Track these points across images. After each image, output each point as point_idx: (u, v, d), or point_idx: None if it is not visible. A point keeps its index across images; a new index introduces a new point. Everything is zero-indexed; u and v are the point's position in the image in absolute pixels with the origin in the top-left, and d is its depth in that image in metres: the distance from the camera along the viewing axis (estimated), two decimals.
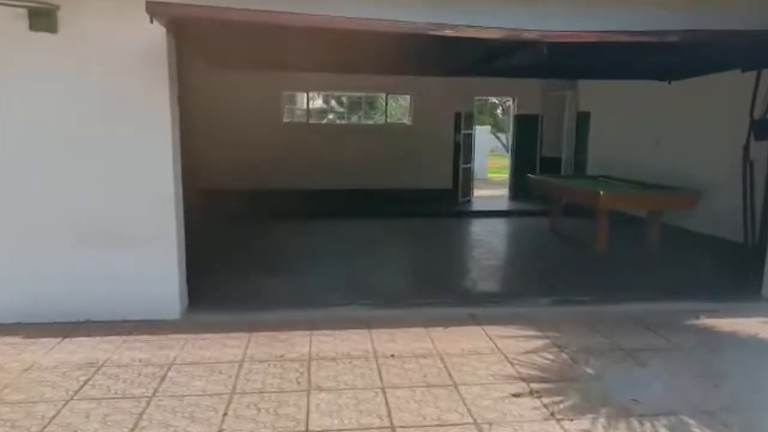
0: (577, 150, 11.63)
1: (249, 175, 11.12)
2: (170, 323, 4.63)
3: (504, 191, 14.78)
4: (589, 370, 3.88)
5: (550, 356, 4.11)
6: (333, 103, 20.19)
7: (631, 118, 9.59)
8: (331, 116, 18.75)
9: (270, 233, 8.77)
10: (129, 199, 4.63)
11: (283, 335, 4.40)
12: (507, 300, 5.44)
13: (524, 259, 7.51)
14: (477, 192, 13.13)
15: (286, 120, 11.95)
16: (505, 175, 22.75)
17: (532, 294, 5.62)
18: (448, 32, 4.10)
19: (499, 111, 34.10)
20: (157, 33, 4.38)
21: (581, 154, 11.58)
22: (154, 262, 4.69)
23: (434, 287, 5.82)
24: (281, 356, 4.02)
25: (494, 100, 32.51)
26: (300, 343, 4.27)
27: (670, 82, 7.06)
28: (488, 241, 8.48)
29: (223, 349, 4.14)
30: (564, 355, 4.13)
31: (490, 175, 21.48)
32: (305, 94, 11.94)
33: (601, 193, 7.04)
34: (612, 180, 8.82)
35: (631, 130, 9.60)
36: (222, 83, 10.09)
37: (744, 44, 4.55)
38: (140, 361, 3.91)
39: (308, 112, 11.99)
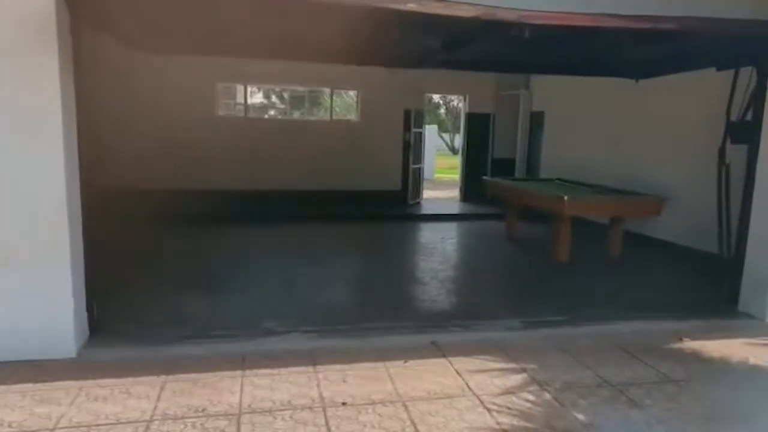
0: (530, 151, 11.23)
1: (176, 173, 10.08)
2: (62, 364, 3.67)
3: (453, 192, 14.30)
4: (580, 416, 3.25)
5: (531, 397, 3.45)
6: (274, 98, 19.17)
7: (588, 118, 9.23)
8: (273, 112, 17.72)
9: (199, 241, 7.78)
10: (4, 208, 3.64)
11: (206, 378, 3.54)
12: (472, 322, 4.77)
13: (484, 271, 6.90)
14: (426, 193, 12.55)
15: (221, 114, 10.90)
16: (452, 175, 22.53)
17: (498, 314, 4.99)
18: (411, 6, 3.36)
19: (442, 110, 33.91)
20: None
21: (534, 155, 11.19)
22: (41, 287, 3.71)
23: (389, 307, 5.09)
24: (203, 410, 3.17)
25: (437, 98, 32.28)
26: (228, 388, 3.43)
27: (637, 81, 6.64)
28: (443, 249, 7.83)
29: (126, 401, 3.24)
30: (547, 395, 3.48)
31: (437, 175, 21.04)
32: (243, 87, 10.93)
33: (565, 198, 6.52)
34: (569, 183, 8.39)
35: (588, 130, 9.24)
36: (145, 70, 8.98)
37: (743, 33, 4.07)
38: (10, 425, 2.96)
39: (246, 105, 10.99)
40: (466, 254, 7.78)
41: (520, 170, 11.23)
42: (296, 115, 12.40)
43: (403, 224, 9.90)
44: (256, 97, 18.63)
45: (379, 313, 4.90)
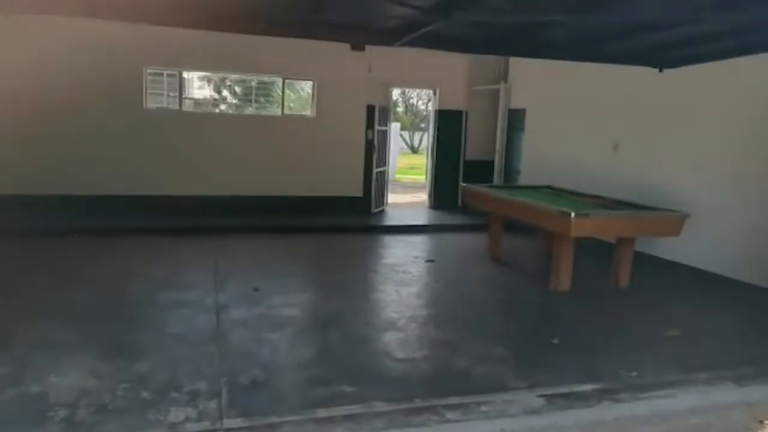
0: (507, 154, 10.00)
1: (85, 174, 8.44)
2: None
3: (418, 196, 12.96)
4: None
5: None
6: (225, 92, 17.46)
7: (580, 116, 8.04)
8: (223, 107, 16.05)
9: (106, 263, 6.15)
10: None
11: None
12: (472, 396, 3.39)
13: (472, 305, 5.51)
14: (390, 197, 11.13)
15: (150, 106, 9.20)
16: (412, 176, 21.22)
17: (506, 380, 3.65)
18: None
19: (400, 109, 32.60)
20: None
21: (512, 158, 9.97)
22: None
23: (350, 376, 3.65)
24: None
25: (395, 95, 30.93)
26: None
27: (661, 70, 5.43)
28: (417, 275, 6.45)
29: None
30: None
31: (398, 175, 19.69)
32: (179, 74, 9.25)
33: (573, 216, 5.24)
34: (562, 192, 7.16)
35: (581, 131, 8.05)
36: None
37: None
38: None
39: (181, 96, 9.31)
40: (447, 282, 6.39)
41: (498, 175, 9.98)
42: (250, 110, 10.74)
43: (367, 238, 8.48)
44: (203, 90, 16.88)
45: (337, 387, 3.45)
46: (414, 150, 31.91)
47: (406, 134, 32.49)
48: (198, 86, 18.54)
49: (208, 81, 18.70)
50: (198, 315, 4.73)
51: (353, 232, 8.73)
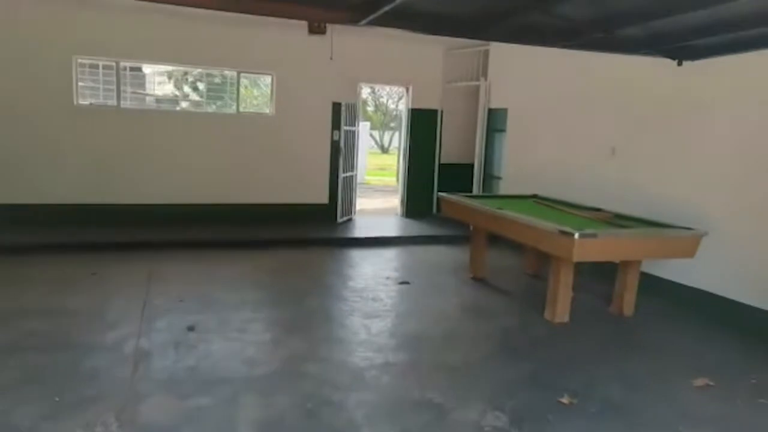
0: (486, 158, 9.12)
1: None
2: None
3: (389, 201, 12.02)
4: None
5: None
6: (187, 89, 16.22)
7: (570, 117, 7.20)
8: (185, 105, 14.83)
9: (5, 292, 4.99)
10: None
11: None
12: None
13: (458, 349, 4.49)
14: (359, 203, 10.14)
15: (82, 102, 7.99)
16: (383, 176, 20.24)
17: None
18: None
19: (370, 108, 31.58)
20: None
21: (492, 163, 9.10)
22: None
23: None
24: None
25: (365, 95, 29.83)
26: None
27: (680, 63, 4.58)
28: (389, 303, 5.47)
29: None
30: None
31: (368, 177, 18.70)
32: (116, 66, 8.04)
33: (576, 236, 4.36)
34: (552, 204, 6.31)
35: (570, 133, 7.21)
36: None
37: None
38: None
39: (119, 89, 8.10)
40: (425, 312, 5.40)
41: (478, 182, 9.09)
42: (210, 108, 9.57)
43: (332, 253, 7.47)
44: (163, 86, 15.59)
45: None
46: (384, 150, 30.96)
47: (376, 133, 31.51)
48: (158, 81, 17.21)
49: (169, 77, 17.34)
50: (108, 369, 3.67)
51: (316, 246, 7.71)
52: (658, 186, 5.83)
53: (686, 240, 4.82)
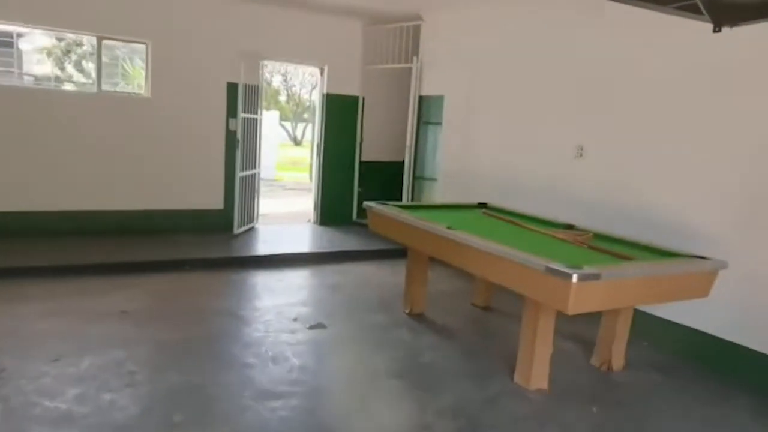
0: (417, 155, 7.66)
1: None
2: None
3: (302, 203, 10.26)
4: None
5: None
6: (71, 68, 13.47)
7: (525, 107, 5.86)
8: (70, 86, 12.23)
9: None
10: None
11: None
12: None
13: None
14: (264, 204, 8.30)
15: None
16: (295, 172, 18.32)
17: None
18: None
19: (282, 98, 29.34)
20: None
21: (425, 161, 7.66)
22: None
23: None
24: None
25: (277, 83, 27.47)
26: None
27: (719, 29, 3.29)
28: (296, 369, 3.79)
29: None
30: None
31: (279, 172, 16.74)
32: None
33: (575, 278, 2.93)
34: (506, 216, 4.90)
35: (525, 127, 5.87)
36: None
37: None
38: None
39: None
40: (350, 384, 3.80)
41: (408, 183, 7.59)
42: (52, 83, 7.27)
43: (223, 278, 5.68)
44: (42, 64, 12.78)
45: None
46: (297, 142, 28.89)
47: (288, 125, 29.36)
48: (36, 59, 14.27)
49: (48, 53, 14.41)
50: None
51: (202, 268, 5.88)
52: (644, 195, 4.60)
53: (702, 275, 3.55)
